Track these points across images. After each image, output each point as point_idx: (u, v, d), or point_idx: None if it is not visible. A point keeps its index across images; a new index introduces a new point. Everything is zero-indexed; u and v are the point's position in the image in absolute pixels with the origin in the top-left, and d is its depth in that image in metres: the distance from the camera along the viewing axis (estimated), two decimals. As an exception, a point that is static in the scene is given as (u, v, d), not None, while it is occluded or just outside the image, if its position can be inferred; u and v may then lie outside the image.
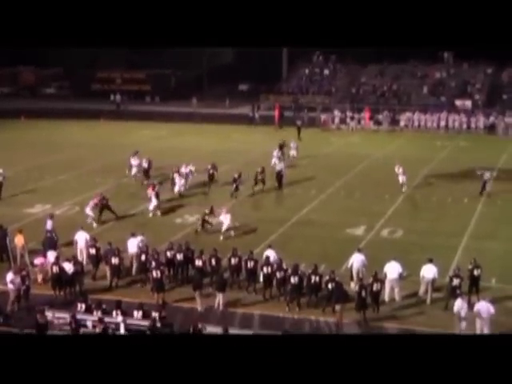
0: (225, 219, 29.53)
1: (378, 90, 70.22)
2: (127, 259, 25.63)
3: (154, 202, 32.93)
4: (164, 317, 20.31)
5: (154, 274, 23.50)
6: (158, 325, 19.67)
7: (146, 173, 39.61)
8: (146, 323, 19.83)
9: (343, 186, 39.09)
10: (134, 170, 39.75)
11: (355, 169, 43.22)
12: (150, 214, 32.75)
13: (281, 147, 43.86)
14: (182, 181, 36.12)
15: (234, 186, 35.39)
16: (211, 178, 37.92)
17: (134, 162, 39.85)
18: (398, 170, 37.18)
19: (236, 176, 35.61)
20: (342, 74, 74.30)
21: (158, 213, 32.89)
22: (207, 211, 30.54)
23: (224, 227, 29.46)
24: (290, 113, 63.23)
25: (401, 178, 36.85)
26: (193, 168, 37.73)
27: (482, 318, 20.47)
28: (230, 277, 24.58)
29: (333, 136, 56.49)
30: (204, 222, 30.34)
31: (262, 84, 75.72)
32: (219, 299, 22.99)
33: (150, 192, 33.23)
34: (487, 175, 36.63)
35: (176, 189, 35.93)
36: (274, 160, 40.35)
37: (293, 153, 44.82)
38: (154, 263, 23.85)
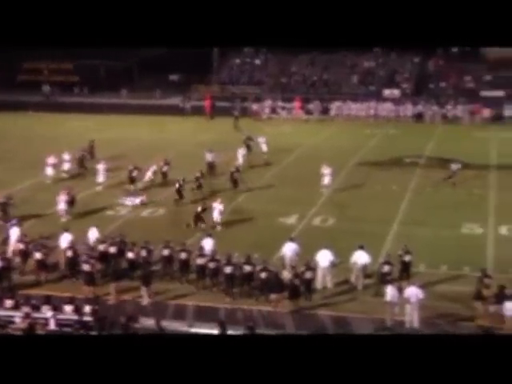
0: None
1: (309, 79, 70.70)
2: (60, 254, 25.20)
3: (61, 207, 30.85)
4: (96, 310, 20.04)
5: (85, 267, 23.20)
6: (90, 318, 19.42)
7: (81, 164, 38.92)
8: (76, 318, 19.54)
9: (275, 175, 39.23)
10: (66, 165, 38.54)
11: (287, 158, 43.42)
12: (63, 219, 30.51)
13: (246, 143, 43.06)
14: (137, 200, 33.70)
15: (197, 183, 34.34)
16: (164, 175, 36.86)
17: (67, 156, 38.84)
18: (325, 170, 35.07)
19: (199, 174, 34.90)
20: (273, 64, 74.49)
21: (65, 219, 30.61)
22: (200, 209, 29.72)
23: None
24: (222, 103, 63.08)
25: (325, 180, 34.94)
26: (155, 168, 36.70)
27: (411, 303, 20.86)
28: (162, 268, 24.47)
29: (264, 126, 56.59)
30: (197, 218, 29.51)
31: (193, 74, 75.30)
32: (145, 293, 22.77)
33: (62, 197, 31.01)
34: (455, 166, 36.96)
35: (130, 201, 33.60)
36: (240, 159, 39.47)
37: (263, 148, 42.88)
38: (84, 256, 23.55)
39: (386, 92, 65.89)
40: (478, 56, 66.20)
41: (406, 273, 23.45)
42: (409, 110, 60.68)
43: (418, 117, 59.83)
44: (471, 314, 21.25)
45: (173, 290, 23.62)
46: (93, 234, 25.97)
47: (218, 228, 29.41)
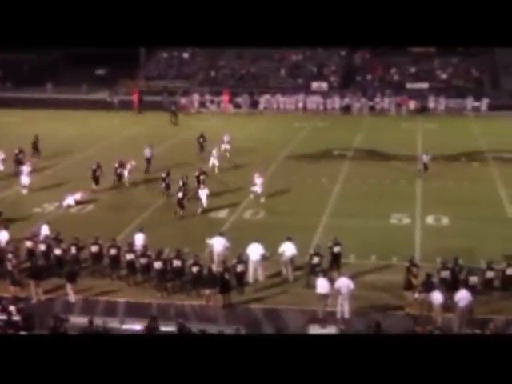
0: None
1: (237, 72, 70.69)
2: None
3: None
4: (21, 309, 19.61)
5: (9, 266, 22.73)
6: (17, 318, 19.02)
7: (19, 162, 37.79)
8: (3, 317, 19.11)
9: (205, 168, 38.93)
10: None
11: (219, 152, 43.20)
12: None
13: (198, 142, 42.32)
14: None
15: (164, 184, 33.61)
16: (119, 176, 35.59)
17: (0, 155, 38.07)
18: (257, 179, 33.26)
19: (164, 175, 34.19)
20: (201, 58, 74.22)
21: None
22: (181, 195, 30.19)
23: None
24: (150, 97, 62.46)
25: (256, 189, 33.11)
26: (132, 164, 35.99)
27: (342, 294, 21.11)
28: (92, 265, 24.15)
29: (193, 120, 56.26)
30: (179, 205, 30.20)
31: (120, 69, 74.31)
32: (70, 290, 22.41)
33: None
34: (425, 157, 37.30)
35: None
36: (213, 160, 38.28)
37: (225, 146, 41.52)
38: (9, 255, 23.06)
39: (314, 85, 66.34)
40: (403, 49, 67.24)
41: (336, 264, 23.66)
42: (336, 102, 61.24)
43: (346, 109, 60.49)
44: (400, 302, 21.67)
45: (103, 286, 23.33)
46: (44, 231, 25.71)
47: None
